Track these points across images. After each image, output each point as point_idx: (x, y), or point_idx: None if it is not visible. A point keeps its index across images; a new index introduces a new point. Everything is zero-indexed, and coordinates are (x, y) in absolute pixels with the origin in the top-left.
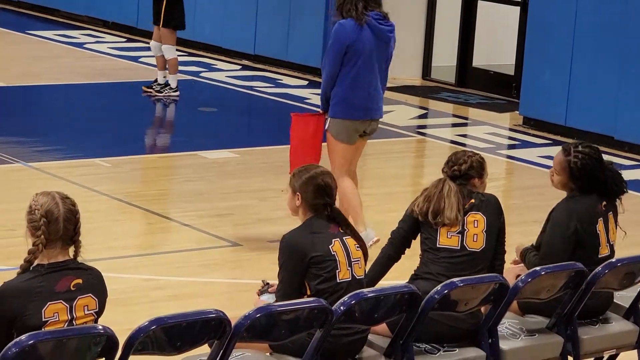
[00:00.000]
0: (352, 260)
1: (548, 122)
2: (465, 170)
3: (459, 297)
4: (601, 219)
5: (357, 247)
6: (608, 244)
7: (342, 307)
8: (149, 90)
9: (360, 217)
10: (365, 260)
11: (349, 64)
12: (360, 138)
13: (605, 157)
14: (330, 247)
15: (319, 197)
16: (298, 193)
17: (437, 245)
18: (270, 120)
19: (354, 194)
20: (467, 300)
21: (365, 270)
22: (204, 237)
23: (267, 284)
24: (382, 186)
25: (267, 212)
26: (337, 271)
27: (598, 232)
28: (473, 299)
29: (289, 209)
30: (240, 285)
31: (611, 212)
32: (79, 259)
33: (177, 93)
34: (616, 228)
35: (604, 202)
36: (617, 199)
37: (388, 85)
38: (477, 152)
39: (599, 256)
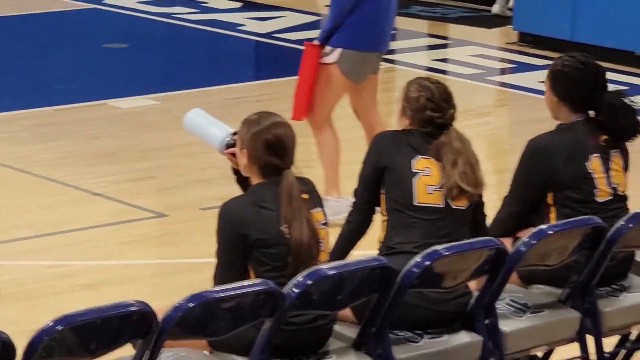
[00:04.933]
0: None
1: (550, 38)
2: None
3: (444, 269)
4: (597, 155)
5: (322, 224)
6: (609, 187)
7: (296, 290)
8: None
9: (336, 180)
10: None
11: None
12: (372, 75)
13: (624, 77)
14: (281, 227)
15: (268, 158)
16: (244, 149)
17: (414, 204)
18: (195, 55)
19: (334, 149)
20: (455, 273)
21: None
22: (119, 208)
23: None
24: (340, 131)
25: (197, 173)
26: (288, 259)
27: (590, 170)
28: (463, 270)
29: (239, 166)
30: (168, 267)
31: (617, 150)
32: None
33: None
34: (625, 170)
35: (604, 136)
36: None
37: None
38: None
39: (597, 201)
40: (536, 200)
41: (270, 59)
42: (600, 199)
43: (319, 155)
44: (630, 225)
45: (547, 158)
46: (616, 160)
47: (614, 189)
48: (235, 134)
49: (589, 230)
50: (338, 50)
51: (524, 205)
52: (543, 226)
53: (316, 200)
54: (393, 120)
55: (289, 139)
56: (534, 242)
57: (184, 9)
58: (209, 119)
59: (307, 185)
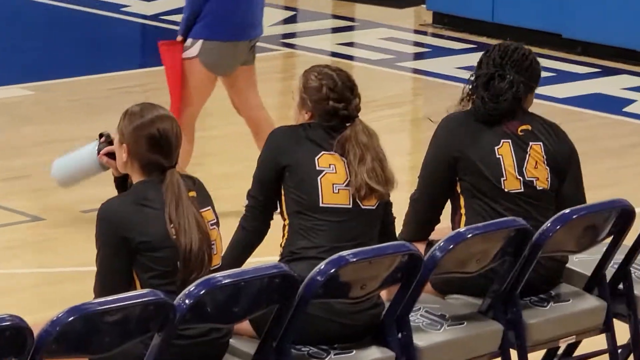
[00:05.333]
0: None
1: (469, 19)
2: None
3: (352, 277)
4: (509, 141)
5: (213, 224)
6: (521, 177)
7: (187, 301)
8: None
9: None
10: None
11: None
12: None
13: (549, 63)
14: (169, 227)
15: (152, 155)
16: (125, 144)
17: (320, 205)
18: (74, 39)
19: (185, 155)
20: (364, 282)
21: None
22: None
23: (109, 135)
24: (235, 124)
25: None
26: (178, 262)
27: (499, 156)
28: (373, 278)
29: (117, 163)
30: (46, 277)
31: (539, 143)
32: None
33: None
34: (546, 165)
35: (525, 126)
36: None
37: None
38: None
39: (505, 189)
40: (446, 190)
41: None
42: (507, 189)
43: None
44: (557, 227)
45: (457, 132)
46: (535, 153)
47: (529, 181)
48: (102, 136)
49: (512, 233)
50: (199, 42)
51: (433, 197)
52: (461, 229)
53: (205, 199)
54: (290, 113)
55: (174, 134)
56: (451, 246)
57: None
58: (71, 154)
59: (194, 183)
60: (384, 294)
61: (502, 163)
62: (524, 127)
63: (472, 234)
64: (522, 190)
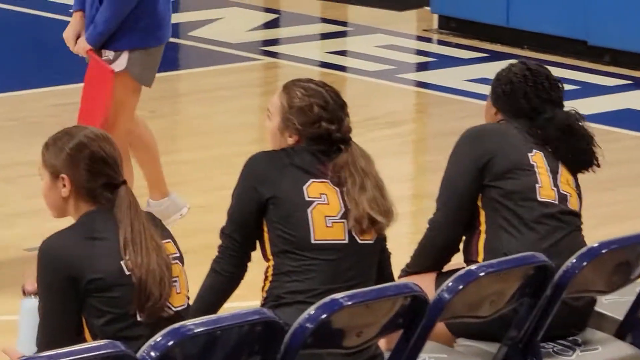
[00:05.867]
0: None
1: (479, 23)
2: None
3: (347, 323)
4: (540, 152)
5: (175, 258)
6: (555, 188)
7: (153, 353)
8: None
9: (160, 179)
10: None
11: None
12: None
13: (572, 74)
14: (123, 262)
15: (98, 176)
16: (63, 175)
17: (312, 242)
18: (18, 48)
19: (150, 147)
20: (360, 329)
21: (187, 295)
22: None
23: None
24: (208, 147)
25: (20, 202)
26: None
27: (533, 162)
28: (370, 325)
29: (49, 207)
30: None
31: (563, 162)
32: None
33: None
34: (576, 187)
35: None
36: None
37: None
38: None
39: (538, 200)
40: (471, 209)
41: None
42: (542, 198)
43: (137, 162)
44: (584, 264)
45: (482, 140)
46: (565, 174)
47: (563, 195)
48: (26, 292)
49: (531, 271)
50: (124, 54)
51: (455, 218)
52: (472, 267)
53: (163, 231)
54: (260, 135)
55: (113, 147)
56: (461, 286)
57: None
58: (21, 330)
59: (149, 215)
60: (382, 342)
61: (536, 169)
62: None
63: (485, 272)
64: (557, 202)
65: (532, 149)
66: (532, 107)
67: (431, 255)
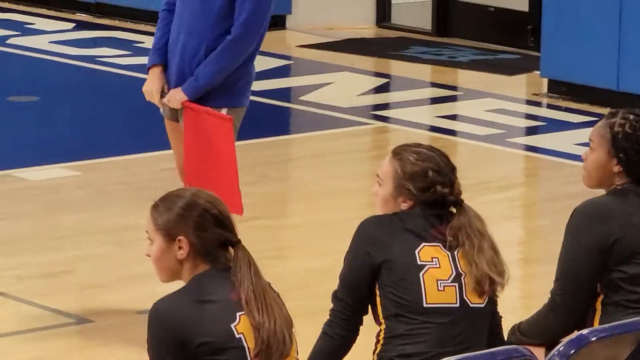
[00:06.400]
0: None
1: (590, 87)
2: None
3: None
4: None
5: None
6: None
7: None
8: None
9: None
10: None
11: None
12: None
13: None
14: (233, 325)
15: (214, 235)
16: (180, 237)
17: (424, 306)
18: (128, 112)
19: None
20: None
21: (298, 358)
22: (29, 310)
23: None
24: (318, 211)
25: (130, 265)
26: None
27: None
28: None
29: (160, 271)
30: None
31: None
32: None
33: None
34: None
35: None
36: None
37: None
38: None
39: None
40: (591, 289)
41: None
42: None
43: None
44: None
45: (603, 221)
46: None
47: None
48: None
49: None
50: (224, 112)
51: (574, 296)
52: (584, 331)
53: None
54: (371, 200)
55: (222, 203)
56: (572, 351)
57: (111, 51)
58: None
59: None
60: None
61: None
62: None
63: (597, 337)
64: None
65: None
66: None
67: (545, 335)
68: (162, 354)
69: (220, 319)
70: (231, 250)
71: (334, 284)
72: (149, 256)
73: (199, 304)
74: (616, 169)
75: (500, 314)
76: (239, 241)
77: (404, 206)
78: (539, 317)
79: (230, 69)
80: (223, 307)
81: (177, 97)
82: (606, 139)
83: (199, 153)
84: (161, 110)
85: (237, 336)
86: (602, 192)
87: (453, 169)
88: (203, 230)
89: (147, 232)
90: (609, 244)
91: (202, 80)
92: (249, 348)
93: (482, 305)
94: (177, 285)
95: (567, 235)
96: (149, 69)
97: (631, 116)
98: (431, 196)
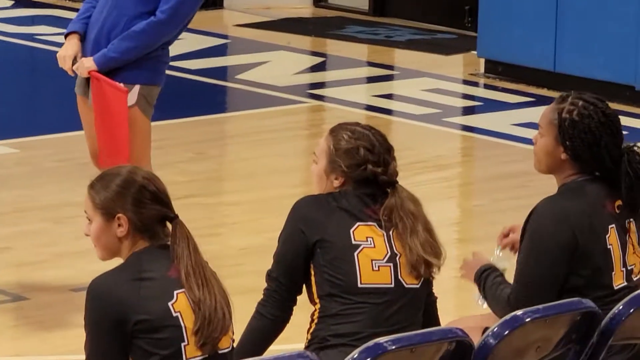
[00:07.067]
0: None
1: (526, 68)
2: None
3: None
4: (613, 225)
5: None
6: (624, 269)
7: None
8: None
9: None
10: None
11: None
12: None
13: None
14: (170, 303)
15: (153, 211)
16: (120, 214)
17: (359, 286)
18: (67, 88)
19: None
20: None
21: (233, 337)
22: None
23: None
24: (254, 189)
25: (67, 242)
26: (183, 344)
27: (609, 246)
28: None
29: (100, 249)
30: None
31: (631, 219)
32: None
33: None
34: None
35: (618, 201)
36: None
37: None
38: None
39: (614, 287)
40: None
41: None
42: (616, 285)
43: None
44: (631, 311)
45: (564, 225)
46: (632, 234)
47: (629, 272)
48: None
49: (577, 317)
50: (135, 89)
51: (533, 301)
52: (518, 312)
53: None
54: (307, 178)
55: (158, 179)
56: (507, 332)
57: (50, 29)
58: None
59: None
60: None
61: (612, 256)
62: (618, 201)
63: (531, 318)
64: (625, 283)
65: (607, 227)
66: (612, 159)
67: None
68: (99, 330)
69: (158, 297)
70: (169, 226)
71: (269, 262)
72: (88, 235)
73: (137, 281)
74: (563, 156)
75: (435, 294)
76: (177, 217)
77: (336, 183)
78: (497, 302)
79: (146, 50)
80: (161, 285)
81: (85, 64)
82: (553, 125)
83: (106, 119)
84: (75, 88)
85: (174, 315)
86: (551, 177)
87: (389, 149)
88: (141, 207)
89: (85, 211)
90: (571, 248)
91: (115, 53)
92: (185, 327)
93: (418, 286)
94: (116, 262)
95: (527, 239)
96: (66, 36)
97: (580, 102)
98: (362, 174)
